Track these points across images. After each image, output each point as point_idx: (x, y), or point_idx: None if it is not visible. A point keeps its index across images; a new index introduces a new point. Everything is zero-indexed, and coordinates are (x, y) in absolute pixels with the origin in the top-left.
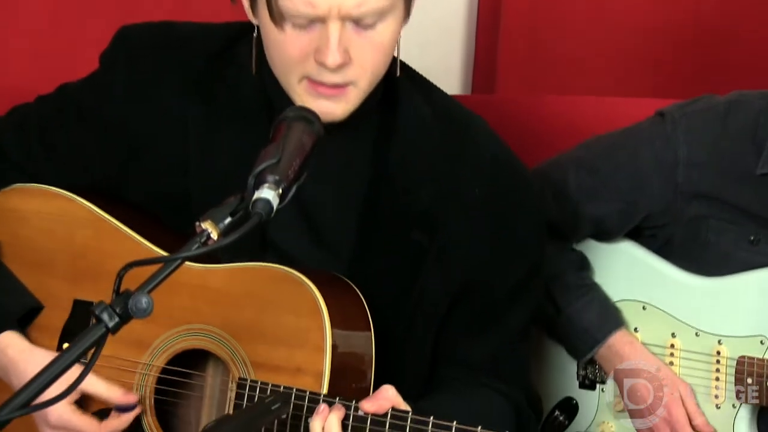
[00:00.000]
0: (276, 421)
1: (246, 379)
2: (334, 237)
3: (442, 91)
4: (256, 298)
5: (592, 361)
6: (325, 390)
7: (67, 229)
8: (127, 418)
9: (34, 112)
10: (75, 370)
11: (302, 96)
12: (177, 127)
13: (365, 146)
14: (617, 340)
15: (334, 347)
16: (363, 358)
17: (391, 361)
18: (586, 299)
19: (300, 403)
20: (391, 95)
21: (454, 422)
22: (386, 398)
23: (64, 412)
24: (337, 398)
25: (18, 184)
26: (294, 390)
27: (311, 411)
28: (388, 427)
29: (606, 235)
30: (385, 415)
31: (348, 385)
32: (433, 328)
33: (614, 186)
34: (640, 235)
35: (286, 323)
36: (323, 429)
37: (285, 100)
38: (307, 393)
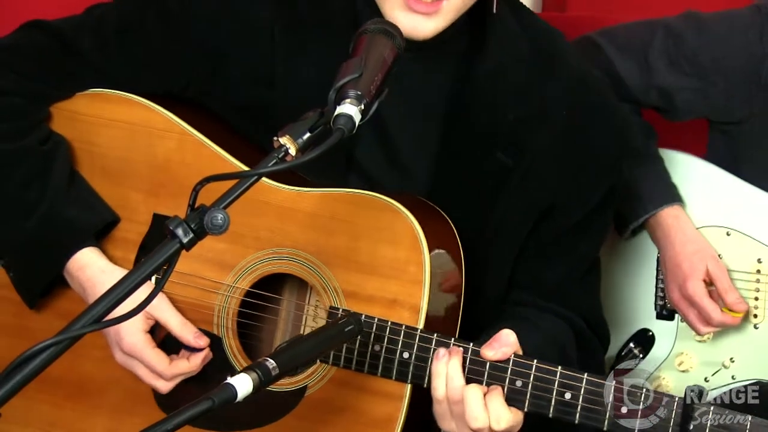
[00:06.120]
0: (369, 354)
1: (338, 308)
2: (413, 156)
3: (527, 8)
4: (350, 225)
5: None
6: (421, 325)
7: (148, 140)
8: (196, 362)
9: (113, 12)
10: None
11: (393, 10)
12: (264, 37)
13: (448, 63)
14: (665, 212)
15: (432, 281)
16: (455, 290)
17: (471, 286)
18: (647, 168)
19: (395, 337)
20: (480, 11)
21: (586, 374)
22: (508, 344)
23: (138, 341)
24: (435, 334)
25: (96, 89)
26: (389, 323)
27: (406, 346)
28: (510, 374)
29: (672, 112)
30: (506, 361)
31: (440, 317)
32: (513, 254)
33: (697, 62)
34: (711, 130)
35: (382, 253)
36: (447, 374)
37: (375, 14)
38: (403, 327)
